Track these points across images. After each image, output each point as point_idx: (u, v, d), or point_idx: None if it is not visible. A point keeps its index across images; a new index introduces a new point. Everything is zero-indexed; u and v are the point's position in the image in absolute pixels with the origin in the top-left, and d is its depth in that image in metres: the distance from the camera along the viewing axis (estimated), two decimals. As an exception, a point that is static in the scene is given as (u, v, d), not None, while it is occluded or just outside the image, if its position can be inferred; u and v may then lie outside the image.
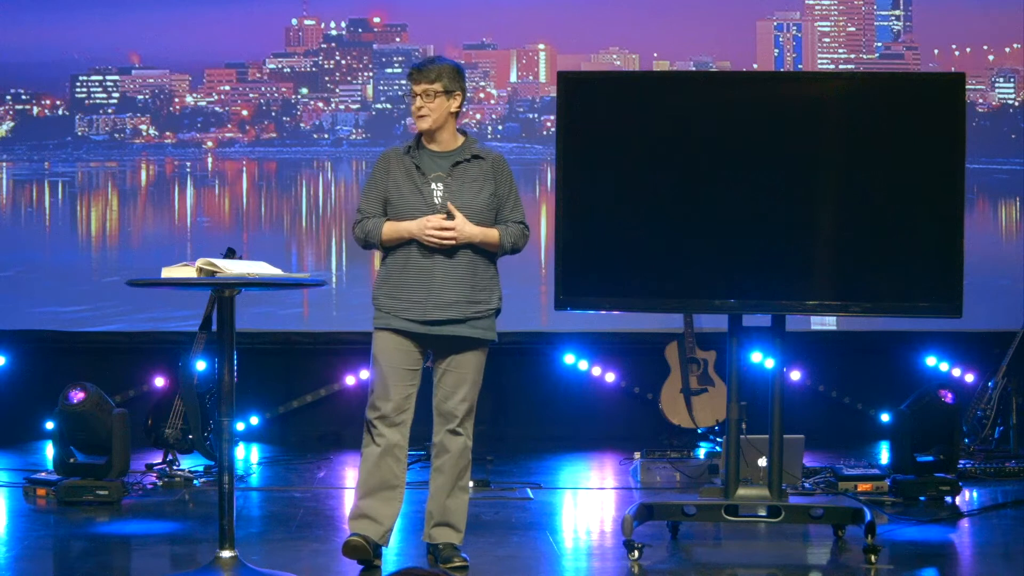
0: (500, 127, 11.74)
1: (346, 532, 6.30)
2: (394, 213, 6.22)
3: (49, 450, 8.62)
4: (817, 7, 11.61)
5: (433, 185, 6.21)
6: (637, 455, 8.70)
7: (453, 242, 6.13)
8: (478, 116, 11.68)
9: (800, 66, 11.47)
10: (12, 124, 11.51)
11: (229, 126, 11.74)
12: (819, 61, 11.56)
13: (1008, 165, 11.42)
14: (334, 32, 11.79)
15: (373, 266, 11.43)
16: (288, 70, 11.73)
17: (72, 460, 7.78)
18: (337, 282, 11.43)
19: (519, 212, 6.32)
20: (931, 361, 10.05)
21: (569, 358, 10.01)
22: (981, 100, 11.55)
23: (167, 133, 11.70)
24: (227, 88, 11.73)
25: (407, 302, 6.18)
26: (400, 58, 11.76)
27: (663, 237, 6.61)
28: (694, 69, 11.01)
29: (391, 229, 6.20)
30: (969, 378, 9.91)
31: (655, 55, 11.28)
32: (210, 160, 11.73)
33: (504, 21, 11.61)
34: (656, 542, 6.74)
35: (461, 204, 6.18)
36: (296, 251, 11.70)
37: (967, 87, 6.69)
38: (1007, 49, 11.46)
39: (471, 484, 6.42)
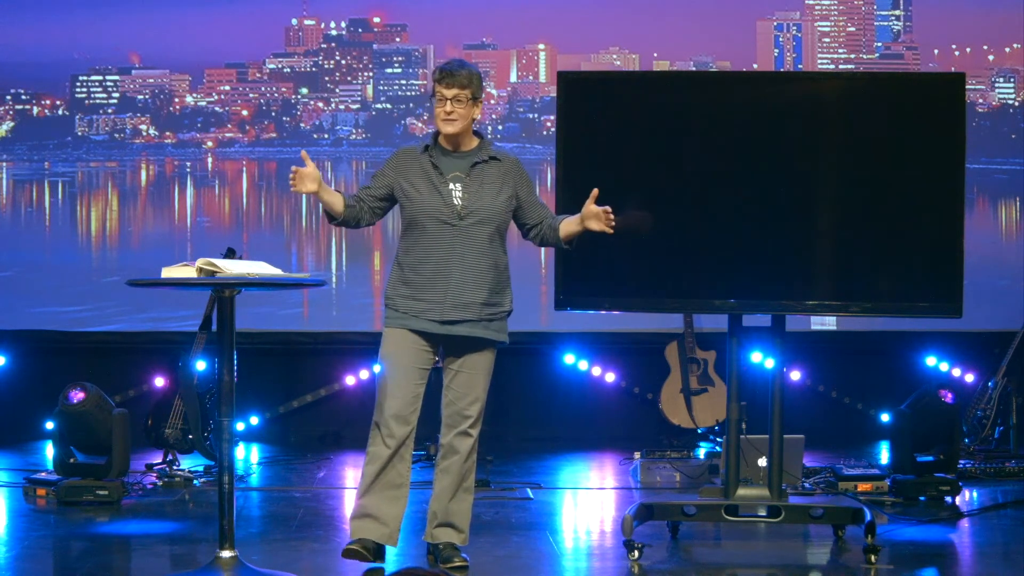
0: (500, 127, 11.74)
1: (346, 532, 6.29)
2: (412, 211, 6.18)
3: (49, 450, 8.61)
4: (817, 7, 11.61)
5: (451, 185, 6.18)
6: (637, 455, 8.70)
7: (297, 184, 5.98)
8: (478, 116, 11.65)
9: (800, 66, 11.47)
10: (12, 124, 11.51)
11: (229, 126, 11.74)
12: (819, 61, 11.55)
13: (1008, 165, 11.42)
14: (334, 32, 11.78)
15: (373, 266, 11.45)
16: (288, 70, 11.73)
17: (72, 460, 7.78)
18: (337, 282, 11.42)
19: (547, 207, 6.33)
20: (931, 361, 10.04)
21: (569, 358, 10.01)
22: (981, 100, 11.55)
23: (167, 133, 11.69)
24: (227, 88, 11.73)
25: (425, 302, 6.15)
26: (400, 58, 11.76)
27: (663, 237, 6.60)
28: (694, 69, 11.01)
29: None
30: (969, 378, 9.90)
31: (655, 55, 11.28)
32: (210, 160, 11.73)
33: (504, 21, 11.61)
34: (656, 542, 6.74)
35: (481, 206, 6.16)
36: (296, 251, 11.70)
37: (967, 87, 6.68)
38: (1007, 49, 11.46)
39: (471, 484, 6.42)
